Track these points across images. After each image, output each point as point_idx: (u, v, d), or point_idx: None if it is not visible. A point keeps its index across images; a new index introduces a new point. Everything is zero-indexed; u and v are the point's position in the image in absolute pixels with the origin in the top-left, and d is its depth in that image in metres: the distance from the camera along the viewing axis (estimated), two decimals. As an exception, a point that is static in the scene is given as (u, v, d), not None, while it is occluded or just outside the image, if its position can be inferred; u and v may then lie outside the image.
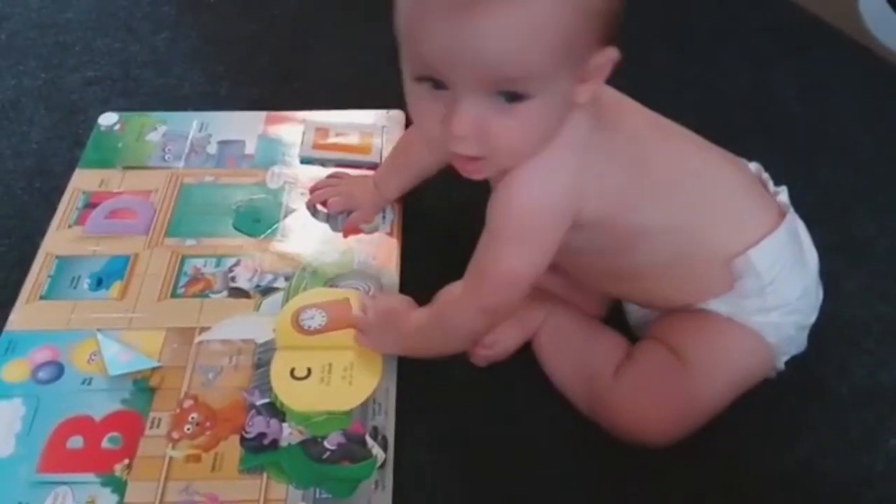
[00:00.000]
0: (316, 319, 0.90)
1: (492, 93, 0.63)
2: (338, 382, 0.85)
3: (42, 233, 1.00)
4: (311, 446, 0.81)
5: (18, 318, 0.92)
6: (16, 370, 0.87)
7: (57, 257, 0.97)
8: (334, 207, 1.01)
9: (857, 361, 0.89)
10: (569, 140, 0.70)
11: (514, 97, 0.64)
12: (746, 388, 0.82)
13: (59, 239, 0.99)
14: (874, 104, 1.18)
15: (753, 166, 0.86)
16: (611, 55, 0.66)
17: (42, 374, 0.87)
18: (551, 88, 0.64)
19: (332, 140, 1.10)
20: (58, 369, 0.87)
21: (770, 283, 0.79)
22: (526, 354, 0.87)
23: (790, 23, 1.31)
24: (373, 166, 1.06)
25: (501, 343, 0.86)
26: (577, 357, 0.85)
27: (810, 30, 1.29)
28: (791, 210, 0.83)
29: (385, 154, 1.07)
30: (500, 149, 0.67)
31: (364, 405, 0.84)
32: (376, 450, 0.80)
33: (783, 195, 0.84)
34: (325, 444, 0.81)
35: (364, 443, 0.81)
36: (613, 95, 0.76)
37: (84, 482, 0.79)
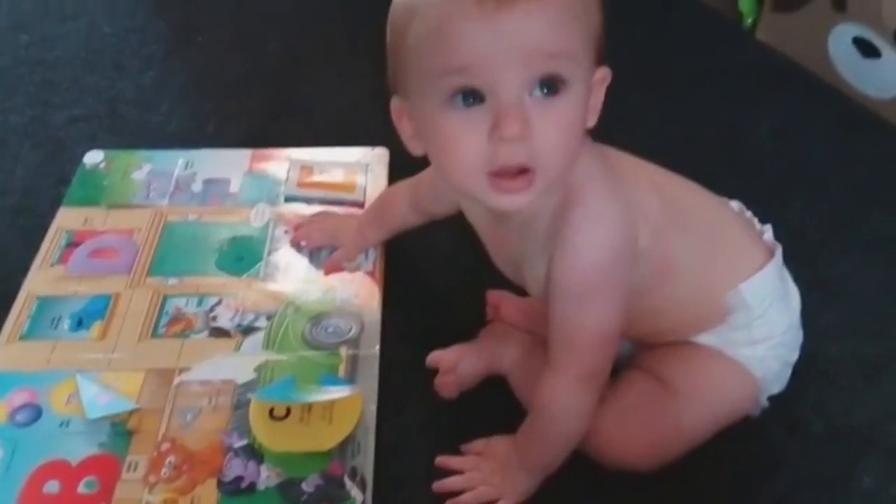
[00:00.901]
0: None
1: (532, 88, 0.62)
2: (317, 422, 0.84)
3: (24, 271, 0.99)
4: (288, 489, 0.80)
5: (-2, 359, 0.91)
6: (-7, 413, 0.87)
7: (38, 297, 0.97)
8: (314, 242, 1.01)
9: (833, 399, 0.89)
10: (599, 182, 0.71)
11: (553, 88, 0.63)
12: (730, 421, 0.82)
13: (40, 279, 0.99)
14: (845, 143, 1.19)
15: (735, 205, 0.87)
16: (605, 73, 0.68)
17: (20, 417, 0.86)
18: (582, 77, 0.65)
19: (316, 178, 1.10)
20: (35, 412, 0.86)
21: (759, 316, 0.80)
22: (502, 389, 0.87)
23: (763, 64, 1.33)
24: (356, 204, 1.06)
25: (464, 367, 0.87)
26: None
27: (783, 71, 1.31)
28: (779, 248, 0.83)
29: (370, 192, 1.07)
30: (547, 150, 0.64)
31: (343, 445, 0.83)
32: (355, 491, 0.79)
33: (769, 233, 0.85)
34: (303, 486, 0.80)
35: (343, 484, 0.80)
36: (592, 142, 0.75)
37: (59, 528, 0.78)
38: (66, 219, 1.06)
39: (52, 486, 0.81)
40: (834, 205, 1.10)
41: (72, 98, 1.25)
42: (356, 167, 1.11)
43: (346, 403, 0.85)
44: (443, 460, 0.82)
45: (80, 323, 0.94)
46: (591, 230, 0.71)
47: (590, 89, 0.67)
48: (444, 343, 0.90)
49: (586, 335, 0.73)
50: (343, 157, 1.13)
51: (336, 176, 1.10)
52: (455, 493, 0.80)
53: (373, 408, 0.86)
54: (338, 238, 1.00)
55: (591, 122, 0.69)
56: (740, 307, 0.79)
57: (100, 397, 0.87)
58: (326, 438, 0.83)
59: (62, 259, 1.01)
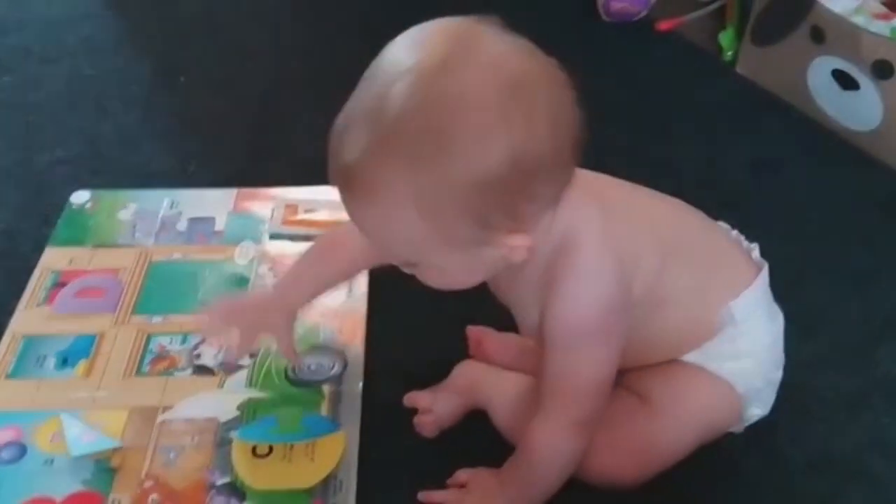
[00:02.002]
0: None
1: None
2: (300, 459, 0.85)
3: (9, 312, 1.00)
4: (270, 527, 0.81)
5: (-17, 398, 0.92)
6: (-22, 451, 0.87)
7: (24, 336, 0.98)
8: (241, 348, 0.90)
9: (811, 430, 0.90)
10: (595, 234, 0.72)
11: (410, 264, 0.70)
12: (712, 436, 0.84)
13: (26, 318, 1.00)
14: (824, 176, 1.21)
15: (723, 225, 0.88)
16: (522, 241, 0.67)
17: (4, 455, 0.87)
18: (438, 255, 0.67)
19: (301, 216, 1.12)
20: (20, 450, 0.87)
21: (745, 330, 0.81)
22: (484, 423, 0.87)
23: (742, 97, 1.34)
24: (340, 242, 1.07)
25: (442, 405, 0.88)
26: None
27: (762, 103, 1.33)
28: (766, 265, 0.85)
29: (352, 229, 1.08)
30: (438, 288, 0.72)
31: (325, 483, 0.83)
32: (336, 529, 0.80)
33: (756, 251, 0.86)
34: (285, 523, 0.81)
35: (324, 522, 0.81)
36: (588, 176, 0.75)
37: (42, 566, 0.79)
38: (52, 259, 1.07)
39: (35, 525, 0.81)
40: (813, 237, 1.11)
41: (54, 139, 1.26)
42: (340, 206, 1.12)
43: (328, 441, 0.86)
44: (426, 495, 0.83)
45: (65, 361, 0.95)
46: (584, 282, 0.72)
47: (484, 246, 0.67)
48: (427, 378, 0.91)
49: (579, 383, 0.75)
50: (328, 195, 1.13)
51: (321, 214, 1.12)
52: None
53: (355, 445, 0.87)
54: (265, 326, 0.89)
55: (518, 257, 0.68)
56: (729, 323, 0.81)
57: (84, 436, 0.88)
58: (309, 476, 0.84)
59: (48, 299, 1.02)
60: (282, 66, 1.42)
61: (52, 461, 0.86)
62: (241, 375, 0.93)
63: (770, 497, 0.84)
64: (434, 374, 0.91)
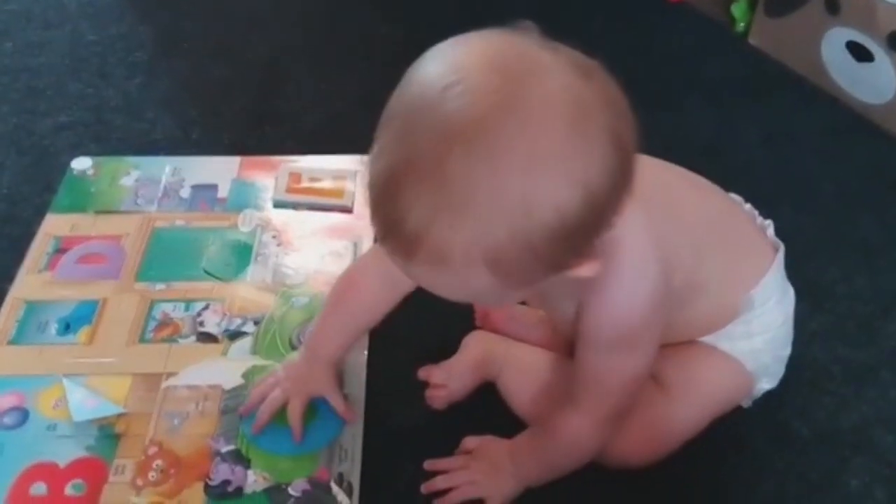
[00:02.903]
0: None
1: None
2: (305, 425, 0.84)
3: (10, 278, 0.99)
4: (275, 493, 0.80)
5: (-15, 363, 0.91)
6: (-20, 417, 0.87)
7: (26, 302, 0.97)
8: (297, 416, 0.85)
9: (819, 404, 0.90)
10: (639, 234, 0.69)
11: None
12: (722, 413, 0.84)
13: (28, 284, 0.99)
14: (836, 149, 1.20)
15: (735, 198, 0.88)
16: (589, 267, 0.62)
17: (7, 420, 0.86)
18: (509, 297, 0.66)
19: (305, 185, 1.11)
20: (23, 415, 0.87)
21: (760, 314, 0.81)
22: (490, 394, 0.87)
23: (754, 69, 1.33)
24: (345, 209, 1.07)
25: (455, 380, 0.87)
26: (543, 390, 0.84)
27: (774, 76, 1.31)
28: (782, 246, 0.84)
29: (359, 198, 1.07)
30: None
31: (330, 451, 0.83)
32: (341, 496, 0.80)
33: (771, 229, 0.86)
34: (290, 490, 0.80)
35: (329, 489, 0.80)
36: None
37: (45, 530, 0.78)
38: (54, 225, 1.06)
39: (39, 488, 0.81)
40: (823, 211, 1.11)
41: (56, 106, 1.25)
42: (345, 174, 1.12)
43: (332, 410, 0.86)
44: (431, 462, 0.83)
45: (67, 327, 0.95)
46: (630, 285, 0.70)
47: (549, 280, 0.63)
48: (431, 348, 0.90)
49: (617, 382, 0.74)
50: (332, 164, 1.14)
51: (325, 183, 1.11)
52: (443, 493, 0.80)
53: (360, 416, 0.86)
54: (311, 389, 0.86)
55: (583, 276, 0.63)
56: (748, 309, 0.81)
57: (87, 401, 0.87)
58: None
59: (50, 265, 1.01)
60: (285, 33, 1.40)
61: (55, 426, 0.86)
62: (246, 343, 0.93)
63: (776, 470, 0.85)
64: (437, 343, 0.91)
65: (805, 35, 1.27)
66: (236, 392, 0.88)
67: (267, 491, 0.80)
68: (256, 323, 0.95)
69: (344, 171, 1.12)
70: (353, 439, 0.84)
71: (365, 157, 1.06)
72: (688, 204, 0.78)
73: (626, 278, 0.70)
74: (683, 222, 0.76)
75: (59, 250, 1.03)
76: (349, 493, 0.80)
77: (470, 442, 0.83)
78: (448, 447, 0.84)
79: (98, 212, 1.08)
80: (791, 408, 0.89)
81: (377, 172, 0.58)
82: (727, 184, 0.85)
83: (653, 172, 0.75)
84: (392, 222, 0.57)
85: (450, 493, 0.80)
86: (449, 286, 0.62)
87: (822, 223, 1.09)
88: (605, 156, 0.57)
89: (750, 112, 1.26)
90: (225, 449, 0.83)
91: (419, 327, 0.93)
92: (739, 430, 0.86)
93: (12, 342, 0.93)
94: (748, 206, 0.88)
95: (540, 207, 0.56)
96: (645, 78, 1.27)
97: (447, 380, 0.87)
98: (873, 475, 0.84)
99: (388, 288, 0.81)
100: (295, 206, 1.08)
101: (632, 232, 0.67)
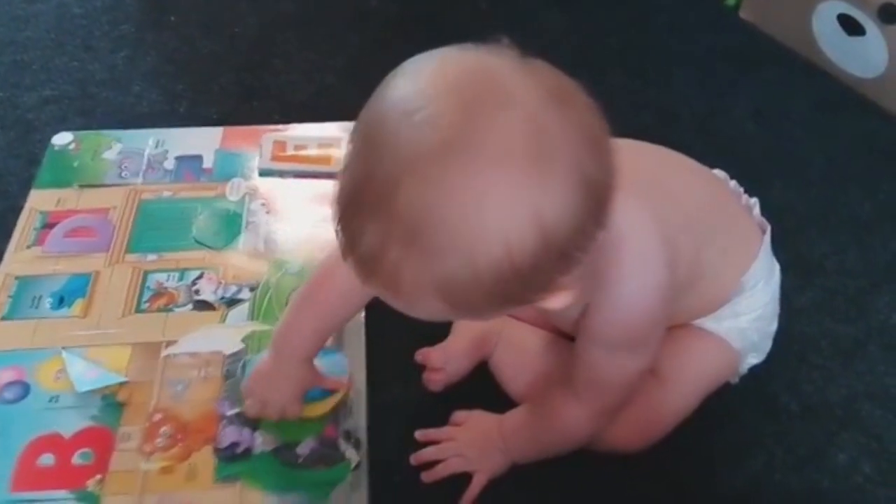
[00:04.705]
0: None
1: None
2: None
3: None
4: (284, 453, 0.82)
5: (-20, 339, 0.91)
6: (-20, 392, 0.86)
7: (16, 278, 0.97)
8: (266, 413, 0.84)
9: (807, 378, 0.90)
10: (646, 230, 0.69)
11: None
12: (709, 393, 0.84)
13: (17, 260, 0.99)
14: (827, 124, 1.19)
15: (720, 174, 0.88)
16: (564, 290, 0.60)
17: (7, 394, 0.86)
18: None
19: (290, 153, 1.11)
20: (23, 388, 0.87)
21: (748, 296, 0.82)
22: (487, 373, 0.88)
23: (745, 43, 1.32)
24: (332, 176, 1.06)
25: (453, 364, 0.87)
26: (535, 370, 0.85)
27: (764, 50, 1.31)
28: (768, 227, 0.85)
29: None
30: None
31: (336, 409, 0.84)
32: (350, 452, 0.81)
33: (757, 208, 0.86)
34: (298, 449, 0.82)
35: (337, 446, 0.82)
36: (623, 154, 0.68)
37: (57, 499, 0.79)
38: (38, 201, 1.05)
39: (46, 459, 0.81)
40: (814, 185, 1.10)
41: (42, 79, 1.23)
42: (331, 141, 1.12)
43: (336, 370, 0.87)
44: (423, 433, 0.83)
45: (61, 301, 0.94)
46: (640, 282, 0.69)
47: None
48: (424, 331, 0.83)
49: (621, 378, 0.74)
50: (316, 132, 1.14)
51: (310, 150, 1.11)
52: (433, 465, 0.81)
53: (362, 373, 0.88)
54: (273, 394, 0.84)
55: (560, 303, 0.61)
56: (739, 292, 0.82)
57: (88, 372, 0.88)
58: (319, 406, 0.85)
59: (38, 240, 1.00)
60: (274, 6, 1.39)
61: (57, 398, 0.86)
62: (244, 309, 0.94)
63: (765, 443, 0.85)
64: (432, 326, 0.86)
65: (796, 8, 1.26)
66: (237, 356, 0.89)
67: (275, 451, 0.82)
68: (252, 290, 0.95)
69: (328, 138, 1.13)
70: (357, 397, 0.86)
71: (348, 124, 1.04)
72: (685, 193, 0.78)
73: (634, 277, 0.69)
74: (683, 212, 0.76)
75: (47, 225, 1.02)
76: (357, 449, 0.82)
77: (459, 416, 0.84)
78: (453, 400, 0.85)
79: (82, 186, 1.07)
80: (779, 382, 0.89)
81: (341, 187, 0.57)
82: (717, 158, 0.84)
83: (649, 162, 0.77)
84: (350, 241, 0.57)
85: (438, 467, 0.81)
86: (407, 309, 0.60)
87: (813, 197, 1.09)
88: (566, 194, 0.54)
89: (740, 86, 1.25)
90: (231, 412, 0.84)
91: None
92: (727, 403, 0.86)
93: (6, 317, 0.93)
94: (733, 182, 0.88)
95: (487, 244, 0.54)
96: (636, 51, 1.29)
97: (444, 362, 0.87)
98: (861, 449, 0.85)
99: (356, 291, 0.75)
100: (282, 173, 1.09)
101: (636, 228, 0.67)
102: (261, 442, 0.82)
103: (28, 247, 1.00)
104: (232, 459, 0.81)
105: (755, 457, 0.84)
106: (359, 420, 0.84)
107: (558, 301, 0.60)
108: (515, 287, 0.56)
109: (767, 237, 0.84)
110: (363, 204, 0.55)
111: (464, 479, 0.80)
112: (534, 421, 0.80)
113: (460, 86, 0.55)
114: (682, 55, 1.30)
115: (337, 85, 1.23)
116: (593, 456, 0.79)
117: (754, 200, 0.87)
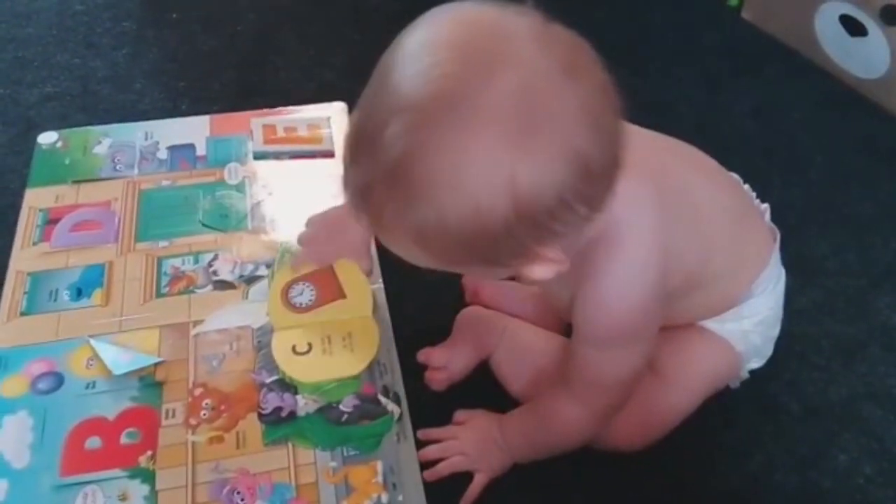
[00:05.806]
0: (305, 295, 0.93)
1: None
2: (340, 351, 0.89)
3: (4, 252, 0.99)
4: (328, 411, 0.85)
5: (3, 335, 0.91)
6: (13, 385, 0.87)
7: (29, 274, 0.97)
8: (327, 258, 0.94)
9: (808, 378, 0.91)
10: (645, 232, 0.69)
11: None
12: (710, 393, 0.85)
13: (25, 257, 0.99)
14: (827, 123, 1.20)
15: (734, 177, 0.87)
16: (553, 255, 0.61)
17: (42, 385, 0.87)
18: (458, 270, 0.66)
19: (281, 134, 1.14)
20: (57, 379, 0.88)
21: (754, 302, 0.83)
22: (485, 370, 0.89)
23: (746, 42, 1.33)
24: (327, 154, 1.10)
25: (455, 364, 0.88)
26: (537, 369, 0.86)
27: (765, 49, 1.31)
28: (778, 234, 0.86)
29: (337, 141, 1.11)
30: None
31: (370, 368, 0.88)
32: (391, 406, 0.85)
33: (768, 214, 0.87)
34: (342, 407, 0.85)
35: (378, 401, 0.85)
36: (646, 145, 0.70)
37: (111, 478, 0.80)
38: (36, 198, 1.05)
39: (93, 442, 0.83)
40: (814, 185, 1.10)
41: (43, 76, 1.23)
42: (318, 121, 1.15)
43: (363, 332, 0.90)
44: (424, 432, 0.84)
45: (79, 292, 0.95)
46: (625, 285, 0.69)
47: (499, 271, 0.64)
48: (425, 329, 0.92)
49: (615, 377, 0.75)
50: (301, 114, 1.17)
51: (301, 132, 1.14)
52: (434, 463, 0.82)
53: (390, 332, 0.91)
54: (345, 244, 0.93)
55: (540, 277, 0.62)
56: (746, 298, 0.83)
57: (121, 356, 0.89)
58: (352, 365, 0.88)
59: (43, 237, 1.01)
60: (275, 3, 1.39)
61: (93, 384, 0.87)
62: (263, 285, 0.96)
63: (765, 444, 0.85)
64: (434, 323, 0.92)
65: (798, 8, 1.26)
66: (266, 329, 0.92)
67: (320, 410, 0.85)
68: (269, 266, 0.98)
69: (315, 118, 1.16)
70: (389, 354, 0.89)
71: (336, 103, 1.03)
72: (703, 203, 0.77)
73: (619, 273, 0.69)
74: (696, 224, 0.75)
75: (50, 221, 1.02)
76: (397, 402, 0.85)
77: (461, 415, 0.85)
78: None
79: (77, 181, 1.07)
80: (780, 382, 0.90)
81: (350, 123, 0.60)
82: (718, 157, 0.84)
83: (676, 172, 0.75)
84: (346, 175, 0.61)
85: (439, 465, 0.82)
86: (394, 249, 0.63)
87: (813, 197, 1.09)
88: (547, 163, 0.55)
89: (742, 85, 1.25)
90: (269, 380, 0.87)
91: (409, 307, 0.95)
92: (728, 404, 0.87)
93: (25, 313, 0.93)
94: (746, 186, 0.87)
95: (458, 200, 0.55)
96: (636, 49, 1.29)
97: (447, 362, 0.88)
98: (861, 450, 0.85)
99: None
100: (277, 155, 1.11)
101: (636, 232, 0.68)
102: (304, 404, 0.85)
103: (34, 244, 1.00)
104: (278, 423, 0.84)
105: (756, 457, 0.85)
106: (394, 376, 0.88)
107: (540, 272, 0.61)
108: (486, 247, 0.57)
109: (777, 244, 0.85)
110: (360, 141, 0.59)
111: (465, 478, 0.81)
112: (534, 421, 0.80)
113: (467, 40, 0.56)
114: (684, 54, 1.30)
115: (337, 82, 1.24)
116: (594, 456, 0.81)
117: (765, 206, 0.88)
